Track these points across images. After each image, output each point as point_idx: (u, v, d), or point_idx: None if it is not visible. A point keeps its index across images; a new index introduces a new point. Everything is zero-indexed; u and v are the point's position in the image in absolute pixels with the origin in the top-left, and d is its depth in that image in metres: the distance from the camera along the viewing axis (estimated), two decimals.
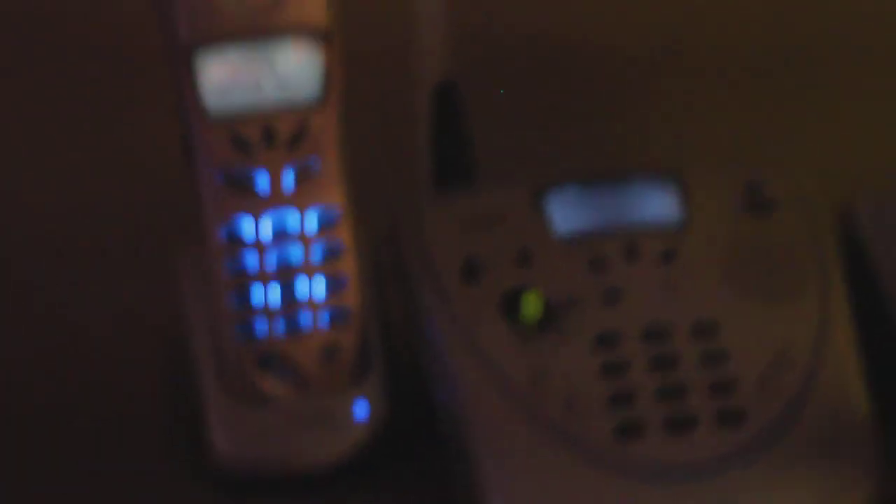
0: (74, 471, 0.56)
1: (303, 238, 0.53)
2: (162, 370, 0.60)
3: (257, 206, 0.51)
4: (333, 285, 0.54)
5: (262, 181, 0.50)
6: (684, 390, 0.52)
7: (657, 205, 0.60)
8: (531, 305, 0.54)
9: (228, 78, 0.49)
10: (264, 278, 0.53)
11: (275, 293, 0.53)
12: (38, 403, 0.64)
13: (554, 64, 0.80)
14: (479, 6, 0.81)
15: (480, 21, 0.80)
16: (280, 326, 0.54)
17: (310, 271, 0.54)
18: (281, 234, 0.53)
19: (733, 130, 0.79)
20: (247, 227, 0.51)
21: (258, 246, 0.52)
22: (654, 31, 0.82)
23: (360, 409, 0.56)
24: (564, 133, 0.77)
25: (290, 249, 0.53)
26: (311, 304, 0.54)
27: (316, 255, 0.53)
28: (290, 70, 0.50)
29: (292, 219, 0.52)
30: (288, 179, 0.51)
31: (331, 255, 0.53)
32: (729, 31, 0.81)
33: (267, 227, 0.52)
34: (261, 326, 0.54)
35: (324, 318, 0.54)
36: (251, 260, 0.52)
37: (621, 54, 0.79)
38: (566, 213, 0.60)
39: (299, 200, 0.51)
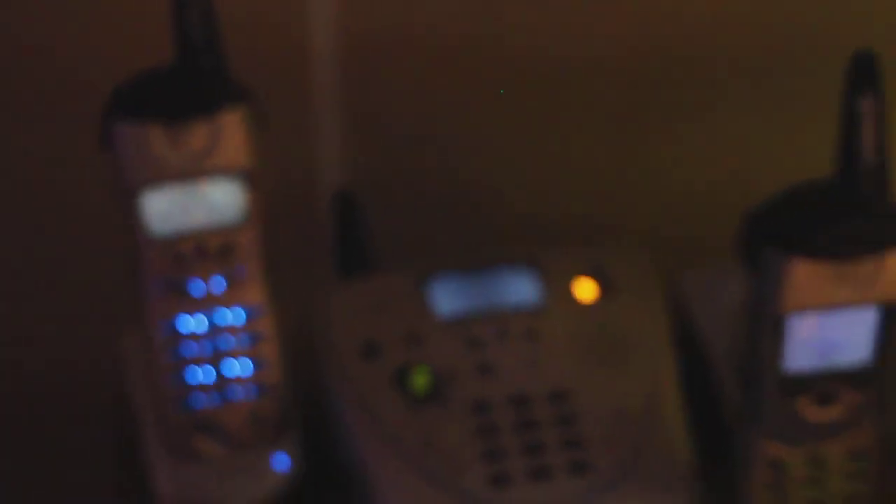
0: None
1: (231, 330, 0.59)
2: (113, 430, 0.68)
3: (193, 307, 0.58)
4: (257, 365, 0.61)
5: (197, 287, 0.57)
6: (543, 447, 0.60)
7: (520, 289, 0.68)
8: (420, 379, 0.62)
9: (167, 208, 0.56)
10: (199, 362, 0.60)
11: (209, 373, 0.60)
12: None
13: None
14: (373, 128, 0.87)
15: (374, 138, 0.87)
16: (213, 399, 0.61)
17: (237, 355, 0.60)
18: (213, 328, 0.59)
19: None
20: (184, 323, 0.58)
21: (193, 337, 0.59)
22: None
23: (281, 462, 0.64)
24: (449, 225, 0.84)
25: (220, 339, 0.59)
26: (238, 380, 0.61)
27: (243, 342, 0.60)
28: (219, 200, 0.56)
29: (222, 316, 0.58)
30: (219, 285, 0.57)
31: (255, 342, 0.60)
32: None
33: (201, 323, 0.58)
34: (197, 399, 0.60)
35: (250, 391, 0.61)
36: (188, 348, 0.59)
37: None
38: (446, 297, 0.68)
39: (228, 301, 0.58)
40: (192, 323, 0.59)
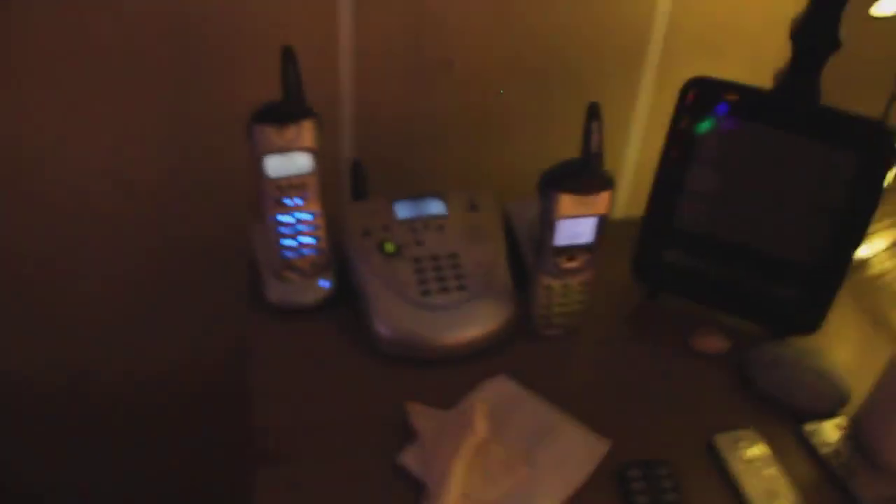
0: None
1: (304, 222, 0.88)
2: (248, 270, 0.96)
3: (286, 210, 0.87)
4: (315, 238, 0.90)
5: (288, 201, 0.86)
6: (445, 278, 0.88)
7: (436, 207, 0.95)
8: (389, 246, 0.91)
9: (275, 164, 0.83)
10: (288, 236, 0.89)
11: (292, 241, 0.89)
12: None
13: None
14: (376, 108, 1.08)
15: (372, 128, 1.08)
16: (294, 253, 0.90)
17: (306, 234, 0.89)
18: (296, 220, 0.88)
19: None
20: (282, 218, 0.87)
21: (286, 224, 0.88)
22: None
23: (325, 284, 0.92)
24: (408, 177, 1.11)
25: (298, 226, 0.88)
26: (306, 245, 0.90)
27: (309, 228, 0.89)
28: (299, 162, 0.84)
29: (300, 215, 0.88)
30: (298, 201, 0.86)
31: (314, 228, 0.89)
32: None
33: (290, 218, 0.88)
34: (287, 253, 0.90)
35: (311, 250, 0.90)
36: (283, 229, 0.88)
37: None
38: (402, 209, 0.94)
39: (302, 208, 0.87)
40: (286, 218, 0.88)
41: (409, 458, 0.75)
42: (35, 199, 1.07)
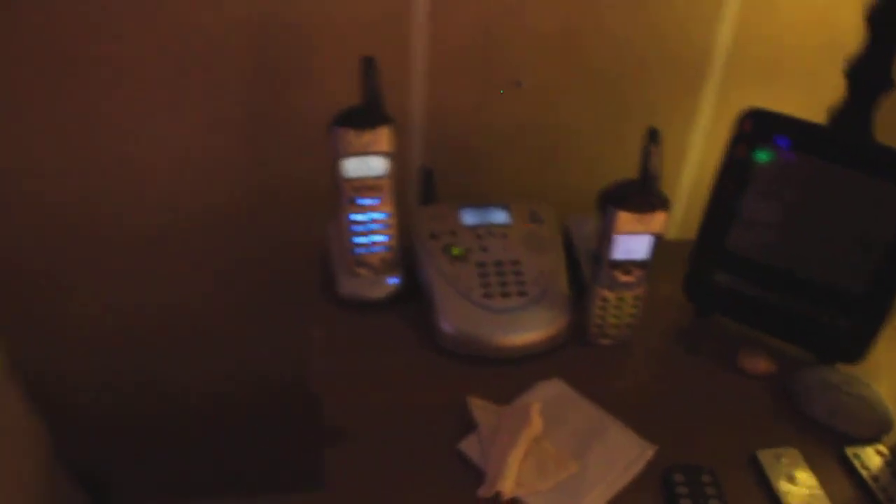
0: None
1: (376, 221, 0.92)
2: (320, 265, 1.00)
3: (360, 210, 0.91)
4: (386, 237, 0.93)
5: (362, 201, 0.90)
6: (507, 283, 0.92)
7: (500, 216, 0.99)
8: (455, 250, 0.95)
9: (352, 166, 0.87)
10: (361, 234, 0.92)
11: (364, 239, 0.93)
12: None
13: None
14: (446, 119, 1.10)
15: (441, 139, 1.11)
16: (366, 250, 0.94)
17: (377, 232, 0.93)
18: (369, 220, 0.91)
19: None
20: (356, 217, 0.91)
21: (359, 223, 0.92)
22: None
23: (394, 280, 0.96)
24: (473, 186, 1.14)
25: (370, 225, 0.92)
26: (377, 243, 0.93)
27: (381, 227, 0.92)
28: (375, 164, 0.87)
29: (372, 215, 0.91)
30: (373, 201, 0.90)
31: (386, 227, 0.92)
32: None
33: (364, 218, 0.91)
34: (359, 250, 0.94)
35: (381, 248, 0.94)
36: (356, 228, 0.92)
37: None
38: (468, 216, 0.98)
39: (376, 209, 0.90)
40: (360, 217, 0.92)
41: (469, 446, 0.78)
42: (117, 194, 1.13)
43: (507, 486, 0.74)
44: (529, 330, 0.89)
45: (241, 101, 1.06)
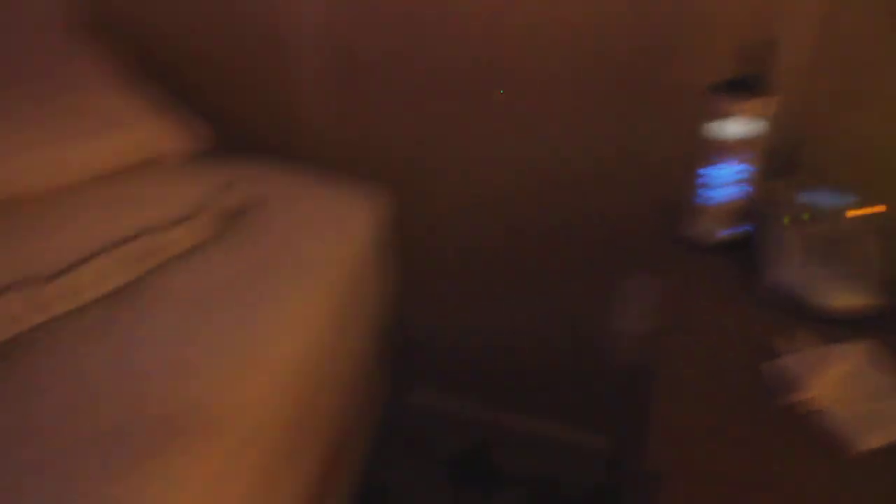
0: None
1: (740, 173, 1.04)
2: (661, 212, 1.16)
3: (727, 164, 1.04)
4: (744, 192, 1.06)
5: (732, 158, 1.04)
6: None
7: (839, 199, 1.07)
8: (798, 217, 1.05)
9: (729, 126, 1.01)
10: (719, 186, 1.06)
11: (714, 192, 1.07)
12: None
13: None
14: None
15: None
16: (718, 200, 1.07)
17: (736, 183, 1.05)
18: (720, 175, 1.06)
19: None
20: (707, 171, 1.05)
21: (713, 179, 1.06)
22: None
23: (736, 230, 1.08)
24: None
25: (734, 175, 1.05)
26: (732, 194, 1.06)
27: (741, 180, 1.05)
28: (751, 126, 1.00)
29: (741, 167, 1.04)
30: (743, 156, 1.03)
31: (746, 182, 1.05)
32: None
33: (726, 171, 1.05)
34: (708, 200, 1.07)
35: (734, 198, 1.06)
36: (707, 179, 1.06)
37: None
38: (814, 191, 1.07)
39: (747, 161, 1.03)
40: (714, 173, 1.06)
41: (783, 363, 0.90)
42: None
43: (819, 385, 0.84)
44: (847, 297, 0.97)
45: (614, 75, 1.27)
